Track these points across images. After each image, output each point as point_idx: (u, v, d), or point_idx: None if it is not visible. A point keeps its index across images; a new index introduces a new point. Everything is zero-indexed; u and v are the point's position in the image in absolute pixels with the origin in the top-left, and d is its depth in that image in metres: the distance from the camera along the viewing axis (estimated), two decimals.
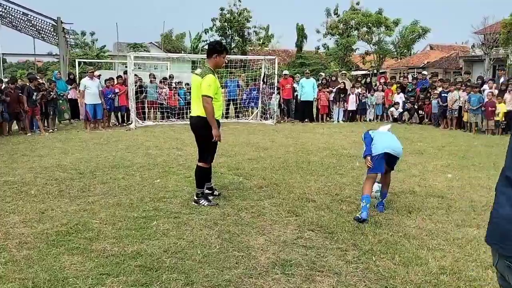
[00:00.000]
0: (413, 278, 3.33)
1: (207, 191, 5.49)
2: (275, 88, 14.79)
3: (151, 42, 50.15)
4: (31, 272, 3.39)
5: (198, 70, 5.25)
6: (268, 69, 15.67)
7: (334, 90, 15.62)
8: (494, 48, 33.54)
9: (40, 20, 21.28)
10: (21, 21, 22.34)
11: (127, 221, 4.64)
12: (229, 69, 16.94)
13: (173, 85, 15.31)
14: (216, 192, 5.64)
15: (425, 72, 18.14)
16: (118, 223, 4.59)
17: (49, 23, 21.53)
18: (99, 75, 13.98)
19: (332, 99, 15.75)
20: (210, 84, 4.94)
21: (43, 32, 25.51)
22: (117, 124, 14.28)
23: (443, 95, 13.65)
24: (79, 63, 28.34)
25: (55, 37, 24.28)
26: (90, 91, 12.63)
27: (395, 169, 5.28)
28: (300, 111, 15.45)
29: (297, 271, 3.49)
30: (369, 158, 4.89)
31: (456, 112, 13.25)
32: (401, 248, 3.91)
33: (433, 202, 5.42)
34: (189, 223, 4.62)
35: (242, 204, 5.30)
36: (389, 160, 4.95)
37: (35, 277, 3.30)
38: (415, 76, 17.74)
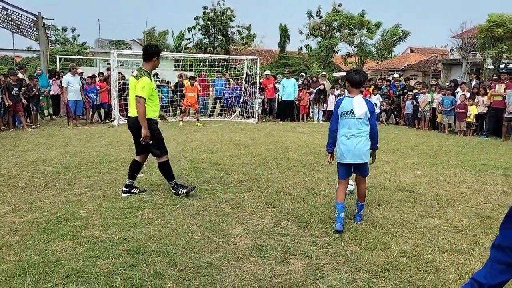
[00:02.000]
0: (376, 260, 3.69)
1: (124, 188, 5.65)
2: (257, 88, 15.11)
3: (133, 40, 49.97)
4: (25, 255, 3.64)
5: (135, 72, 5.47)
6: (251, 69, 16.00)
7: (314, 91, 16.03)
8: (472, 52, 34.49)
9: (20, 15, 21.09)
10: (0, 15, 22.12)
11: (113, 211, 4.90)
12: (214, 68, 17.20)
13: (157, 83, 15.46)
14: (135, 190, 5.70)
15: (396, 75, 18.57)
16: (105, 213, 4.84)
17: (30, 18, 21.38)
18: (81, 72, 14.08)
19: (312, 99, 16.19)
20: (144, 86, 5.23)
21: (22, 27, 25.25)
22: (99, 121, 14.39)
23: (417, 96, 14.20)
24: (60, 59, 28.17)
25: (35, 32, 24.09)
26: (72, 87, 12.74)
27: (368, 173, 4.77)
28: (282, 110, 15.83)
29: (273, 255, 3.81)
30: (330, 155, 4.73)
31: (428, 114, 13.80)
32: (367, 235, 4.27)
33: (401, 195, 5.82)
34: (172, 213, 4.91)
35: (223, 197, 5.60)
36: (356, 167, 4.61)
37: (29, 260, 3.54)
38: (387, 78, 18.24)
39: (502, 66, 30.53)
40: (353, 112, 4.40)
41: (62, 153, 8.43)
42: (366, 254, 3.83)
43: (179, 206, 5.18)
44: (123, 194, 5.59)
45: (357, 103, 4.41)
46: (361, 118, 4.42)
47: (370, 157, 4.68)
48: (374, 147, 4.66)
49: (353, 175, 4.75)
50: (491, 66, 31.89)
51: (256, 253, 3.85)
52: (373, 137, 4.58)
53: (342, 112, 4.46)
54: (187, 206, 5.19)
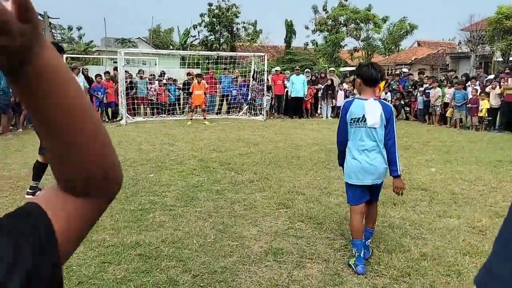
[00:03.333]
0: (396, 264, 3.57)
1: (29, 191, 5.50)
2: (265, 85, 14.98)
3: (139, 37, 49.93)
4: None
5: None
6: (258, 66, 15.86)
7: (323, 86, 15.88)
8: (480, 45, 34.08)
9: None
10: None
11: (124, 214, 4.81)
12: (221, 65, 17.08)
13: (164, 81, 15.40)
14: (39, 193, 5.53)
15: (405, 70, 18.42)
16: (115, 215, 4.76)
17: None
18: (87, 69, 14.02)
19: (320, 95, 16.04)
20: None
21: None
22: (107, 120, 14.34)
23: (427, 91, 14.00)
24: (66, 58, 28.21)
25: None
26: None
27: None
28: (291, 107, 15.71)
29: (289, 259, 3.71)
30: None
31: (438, 108, 13.61)
32: (385, 237, 4.15)
33: (417, 194, 5.68)
34: (184, 215, 4.81)
35: (234, 198, 5.50)
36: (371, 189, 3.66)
37: None
38: (397, 72, 18.07)
39: (511, 58, 30.20)
40: (365, 120, 3.48)
41: None
42: (385, 257, 3.71)
43: (190, 207, 5.09)
44: (27, 196, 5.42)
45: (370, 108, 3.46)
46: (374, 128, 3.47)
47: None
48: (392, 167, 3.55)
49: None
50: (501, 59, 31.53)
51: (271, 256, 3.75)
52: (389, 151, 3.51)
53: (352, 119, 3.52)
54: (198, 207, 5.10)
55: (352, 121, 3.53)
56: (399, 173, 3.57)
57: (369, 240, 3.72)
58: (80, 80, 12.89)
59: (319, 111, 16.43)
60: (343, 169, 3.75)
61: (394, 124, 3.54)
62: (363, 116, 3.47)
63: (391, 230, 4.35)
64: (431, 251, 3.82)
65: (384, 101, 3.70)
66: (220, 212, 4.96)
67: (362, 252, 3.50)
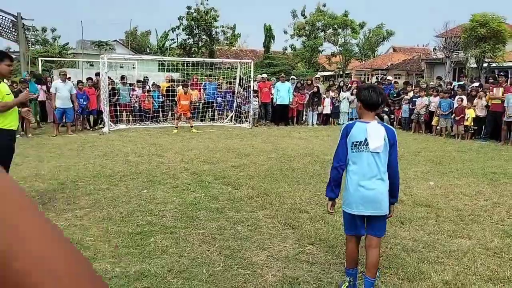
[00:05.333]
0: None
1: None
2: (251, 91, 14.78)
3: (116, 40, 48.95)
4: None
5: None
6: (244, 72, 15.65)
7: (309, 93, 15.81)
8: (455, 51, 34.78)
9: None
10: None
11: (122, 238, 4.52)
12: (200, 69, 16.81)
13: (147, 87, 15.00)
14: None
15: (390, 77, 18.58)
16: (113, 239, 4.46)
17: (8, 18, 20.66)
18: (69, 77, 13.52)
19: (305, 102, 15.96)
20: None
21: (1, 28, 24.41)
22: (88, 128, 13.84)
23: (414, 100, 14.08)
24: (41, 61, 27.30)
25: (14, 33, 23.31)
26: (60, 94, 12.16)
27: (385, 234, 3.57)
28: (277, 115, 15.55)
29: None
30: (330, 203, 3.53)
31: (422, 117, 13.68)
32: (402, 262, 4.00)
33: (421, 211, 5.57)
34: (187, 238, 4.55)
35: (236, 217, 5.27)
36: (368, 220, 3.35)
37: None
38: (379, 79, 18.23)
39: (485, 65, 30.95)
40: (367, 144, 3.24)
41: (55, 166, 7.95)
42: (406, 286, 3.55)
43: (192, 229, 4.82)
44: None
45: (372, 131, 3.24)
46: (377, 152, 3.23)
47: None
48: (392, 198, 3.36)
49: None
50: (474, 65, 32.26)
51: (287, 287, 3.53)
52: (393, 180, 3.31)
53: (353, 143, 3.28)
54: (200, 229, 4.84)
55: (354, 145, 3.28)
56: (398, 195, 3.47)
57: None
58: (66, 87, 12.35)
59: (304, 118, 16.34)
60: (329, 201, 3.51)
61: (396, 149, 3.34)
62: (365, 140, 3.23)
63: (407, 254, 4.19)
64: (453, 279, 3.68)
65: (387, 125, 3.47)
66: (224, 234, 4.71)
67: (357, 282, 3.37)
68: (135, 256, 4.06)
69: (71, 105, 12.38)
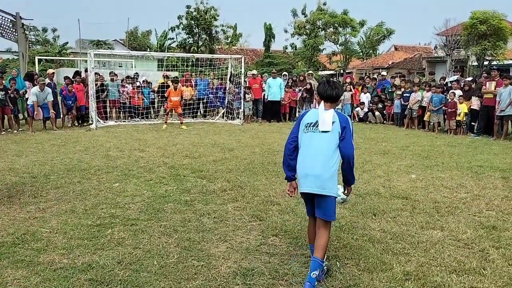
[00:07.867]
0: (377, 285, 3.23)
1: None
2: (242, 88, 14.59)
3: (115, 40, 48.97)
4: None
5: None
6: (236, 68, 15.47)
7: (301, 90, 15.61)
8: (456, 49, 34.46)
9: None
10: None
11: (79, 230, 4.35)
12: (198, 67, 16.65)
13: (137, 83, 14.83)
14: None
15: (384, 73, 18.37)
16: (69, 231, 4.30)
17: (8, 18, 20.61)
18: (53, 73, 13.43)
19: (298, 99, 15.77)
20: None
21: (1, 28, 24.38)
22: (76, 124, 13.70)
23: (405, 95, 13.85)
24: (40, 60, 27.28)
25: (14, 33, 23.29)
26: (36, 100, 11.94)
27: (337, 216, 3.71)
28: (268, 111, 15.35)
29: (259, 281, 3.32)
30: (288, 184, 3.63)
31: (415, 113, 13.45)
32: (365, 253, 3.81)
33: (397, 203, 5.37)
34: (147, 230, 4.38)
35: (204, 209, 5.10)
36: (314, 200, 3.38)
37: None
38: (373, 76, 18.04)
39: (486, 63, 30.61)
40: (317, 125, 3.31)
41: (32, 160, 7.81)
42: (365, 277, 3.36)
43: (154, 221, 4.66)
44: None
45: (323, 114, 3.32)
46: (326, 132, 3.26)
47: (344, 191, 3.49)
48: (347, 182, 3.44)
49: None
50: (475, 63, 31.93)
51: (240, 279, 3.36)
52: (346, 165, 3.34)
53: (305, 125, 3.39)
54: (163, 221, 4.67)
55: (306, 127, 3.41)
56: (353, 179, 3.46)
57: (314, 272, 3.12)
58: (45, 96, 12.14)
59: (297, 115, 16.13)
60: (287, 183, 3.63)
61: (350, 133, 3.33)
62: (316, 122, 3.36)
63: (372, 245, 4.00)
64: (415, 269, 3.48)
65: (341, 113, 3.49)
66: (187, 226, 4.54)
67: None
68: (87, 248, 3.89)
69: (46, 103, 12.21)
